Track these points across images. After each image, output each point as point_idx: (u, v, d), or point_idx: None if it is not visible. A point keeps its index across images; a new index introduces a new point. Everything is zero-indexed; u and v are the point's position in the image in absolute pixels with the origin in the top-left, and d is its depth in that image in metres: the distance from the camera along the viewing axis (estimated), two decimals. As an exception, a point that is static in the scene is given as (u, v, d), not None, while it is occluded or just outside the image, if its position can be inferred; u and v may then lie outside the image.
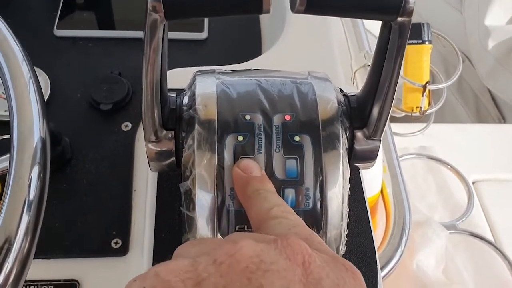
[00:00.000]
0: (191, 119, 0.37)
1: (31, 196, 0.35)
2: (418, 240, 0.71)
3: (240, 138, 0.36)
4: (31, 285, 0.46)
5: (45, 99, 0.57)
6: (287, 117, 0.37)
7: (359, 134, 0.39)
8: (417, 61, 0.76)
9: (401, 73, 0.80)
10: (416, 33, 0.75)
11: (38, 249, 0.47)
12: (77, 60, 0.62)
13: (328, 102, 0.38)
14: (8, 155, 0.36)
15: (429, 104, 0.78)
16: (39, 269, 0.46)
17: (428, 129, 0.90)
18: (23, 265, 0.34)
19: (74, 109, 0.56)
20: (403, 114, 0.80)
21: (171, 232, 0.42)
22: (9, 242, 0.34)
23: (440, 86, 0.77)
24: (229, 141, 0.36)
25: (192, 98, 0.38)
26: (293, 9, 0.29)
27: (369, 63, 0.76)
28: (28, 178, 0.34)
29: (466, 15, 1.51)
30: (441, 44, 1.38)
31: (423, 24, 0.75)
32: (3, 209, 0.33)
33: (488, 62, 1.48)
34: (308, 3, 0.28)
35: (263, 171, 0.35)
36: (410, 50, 0.76)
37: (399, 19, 0.30)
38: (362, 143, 0.39)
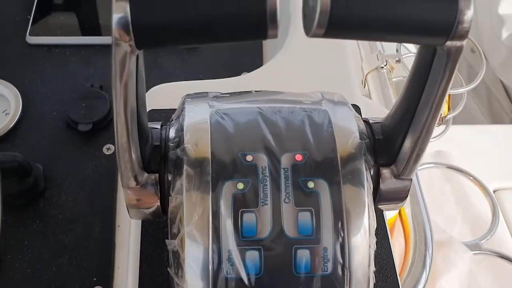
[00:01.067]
0: (178, 160, 0.30)
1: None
2: (440, 264, 0.64)
3: (241, 185, 0.29)
4: None
5: (16, 118, 0.50)
6: (298, 157, 0.29)
7: (385, 172, 0.32)
8: (436, 62, 0.68)
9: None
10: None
11: (6, 301, 0.41)
12: (52, 71, 0.54)
13: (348, 136, 0.31)
14: None
15: (449, 109, 0.71)
16: (7, 325, 0.40)
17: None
18: None
19: (49, 130, 0.49)
20: (420, 120, 0.72)
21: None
22: None
23: (461, 90, 0.69)
24: (227, 189, 0.29)
25: (180, 133, 0.31)
26: (309, 32, 0.21)
27: (382, 65, 0.68)
28: None
29: (477, 2, 1.44)
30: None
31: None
32: None
33: (501, 53, 1.41)
34: (329, 24, 0.20)
35: None
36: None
37: (449, 43, 0.23)
38: (389, 184, 0.32)
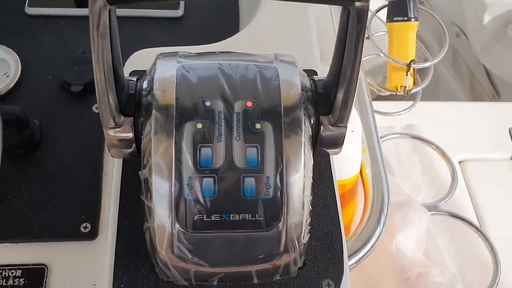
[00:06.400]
0: (149, 105, 0.36)
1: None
2: (398, 222, 0.70)
3: (200, 125, 0.35)
4: (-2, 270, 0.46)
5: (15, 80, 0.56)
6: (249, 104, 0.36)
7: (324, 120, 0.38)
8: (403, 39, 0.74)
9: (386, 51, 0.78)
10: (402, 9, 0.73)
11: (6, 233, 0.47)
12: (49, 39, 0.60)
13: (291, 88, 0.37)
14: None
15: (414, 83, 0.77)
16: (7, 254, 0.46)
17: (416, 107, 0.89)
18: None
19: (45, 90, 0.55)
20: (388, 93, 0.78)
21: (135, 219, 0.42)
22: None
23: (425, 64, 0.75)
24: (188, 128, 0.35)
25: (151, 83, 0.37)
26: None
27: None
28: None
29: (463, -14, 1.48)
30: (436, 20, 1.36)
31: (409, 0, 0.73)
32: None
33: (483, 37, 1.46)
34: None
35: None
36: (395, 27, 0.74)
37: (357, 4, 0.29)
38: (327, 130, 0.38)
